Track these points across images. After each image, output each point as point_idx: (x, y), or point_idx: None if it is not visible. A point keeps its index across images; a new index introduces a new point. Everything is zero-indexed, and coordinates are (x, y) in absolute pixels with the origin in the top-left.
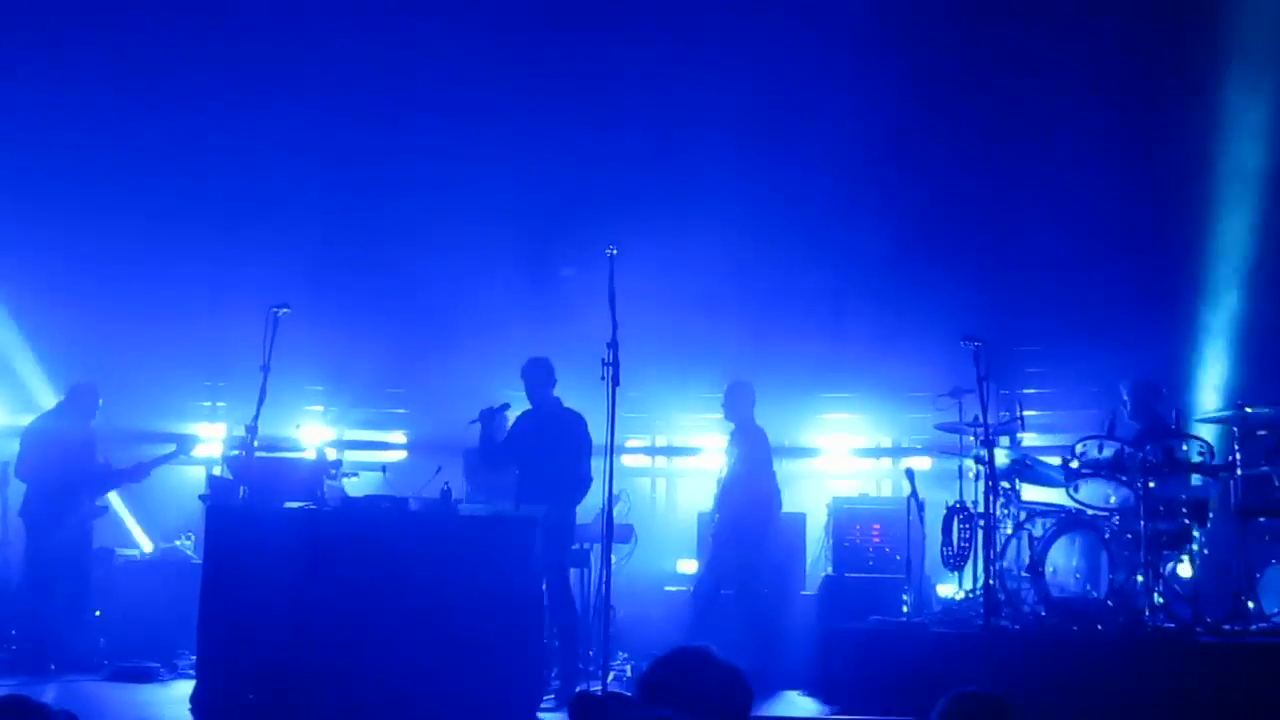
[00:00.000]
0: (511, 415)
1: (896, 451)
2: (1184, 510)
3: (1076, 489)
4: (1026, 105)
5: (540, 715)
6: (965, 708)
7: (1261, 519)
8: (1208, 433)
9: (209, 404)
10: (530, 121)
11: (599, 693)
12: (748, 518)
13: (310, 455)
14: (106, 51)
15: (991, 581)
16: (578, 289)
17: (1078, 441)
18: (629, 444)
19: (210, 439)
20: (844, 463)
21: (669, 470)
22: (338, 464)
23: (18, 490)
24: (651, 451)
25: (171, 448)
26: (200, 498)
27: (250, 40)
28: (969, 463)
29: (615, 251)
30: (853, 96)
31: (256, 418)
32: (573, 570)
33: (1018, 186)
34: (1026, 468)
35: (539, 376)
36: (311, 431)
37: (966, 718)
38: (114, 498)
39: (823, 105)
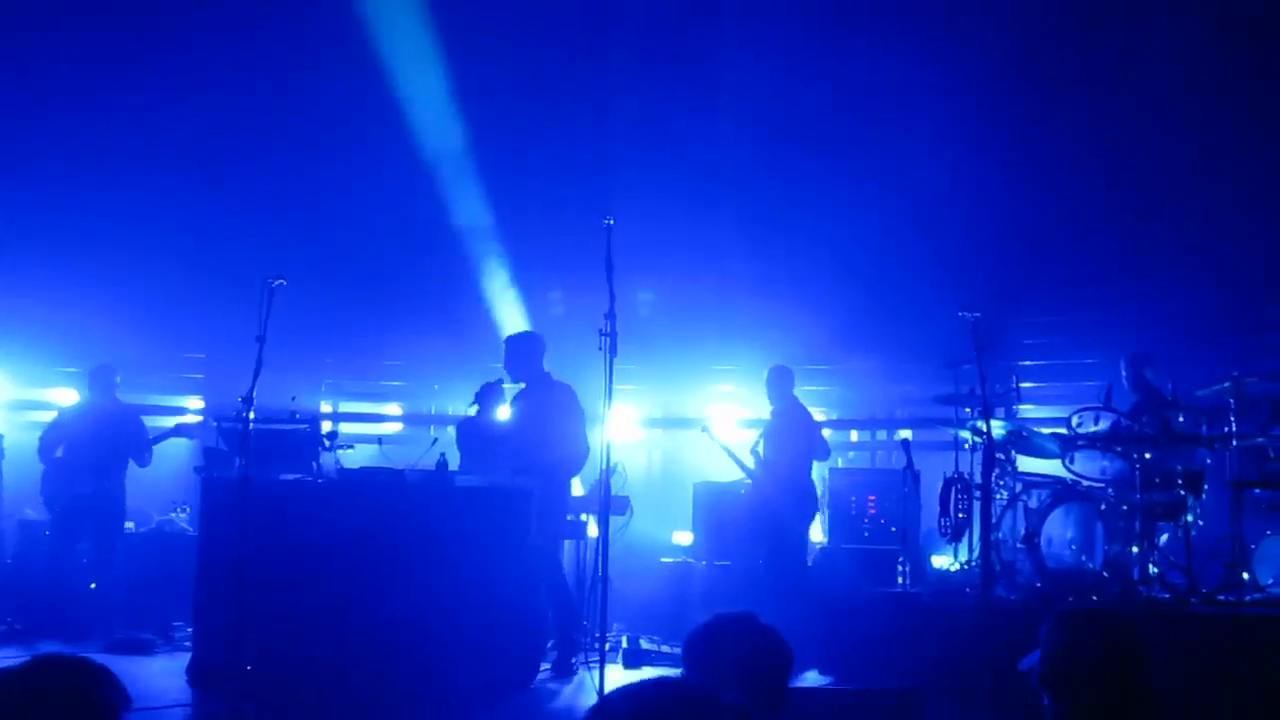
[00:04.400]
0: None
1: (890, 423)
2: (1179, 481)
3: (1072, 460)
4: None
5: (537, 684)
6: (1077, 623)
7: (1257, 490)
8: (1204, 405)
9: (200, 376)
10: (525, 92)
11: None
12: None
13: (305, 427)
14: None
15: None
16: (575, 260)
17: (1074, 413)
18: (625, 415)
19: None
20: (836, 434)
21: (665, 441)
22: (333, 436)
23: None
24: (648, 423)
25: (171, 424)
26: (195, 469)
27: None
28: (965, 434)
29: (612, 222)
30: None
31: (252, 389)
32: (567, 541)
33: (1017, 159)
34: (1022, 439)
35: (530, 350)
36: (307, 404)
37: (1078, 633)
38: None
39: (816, 81)
